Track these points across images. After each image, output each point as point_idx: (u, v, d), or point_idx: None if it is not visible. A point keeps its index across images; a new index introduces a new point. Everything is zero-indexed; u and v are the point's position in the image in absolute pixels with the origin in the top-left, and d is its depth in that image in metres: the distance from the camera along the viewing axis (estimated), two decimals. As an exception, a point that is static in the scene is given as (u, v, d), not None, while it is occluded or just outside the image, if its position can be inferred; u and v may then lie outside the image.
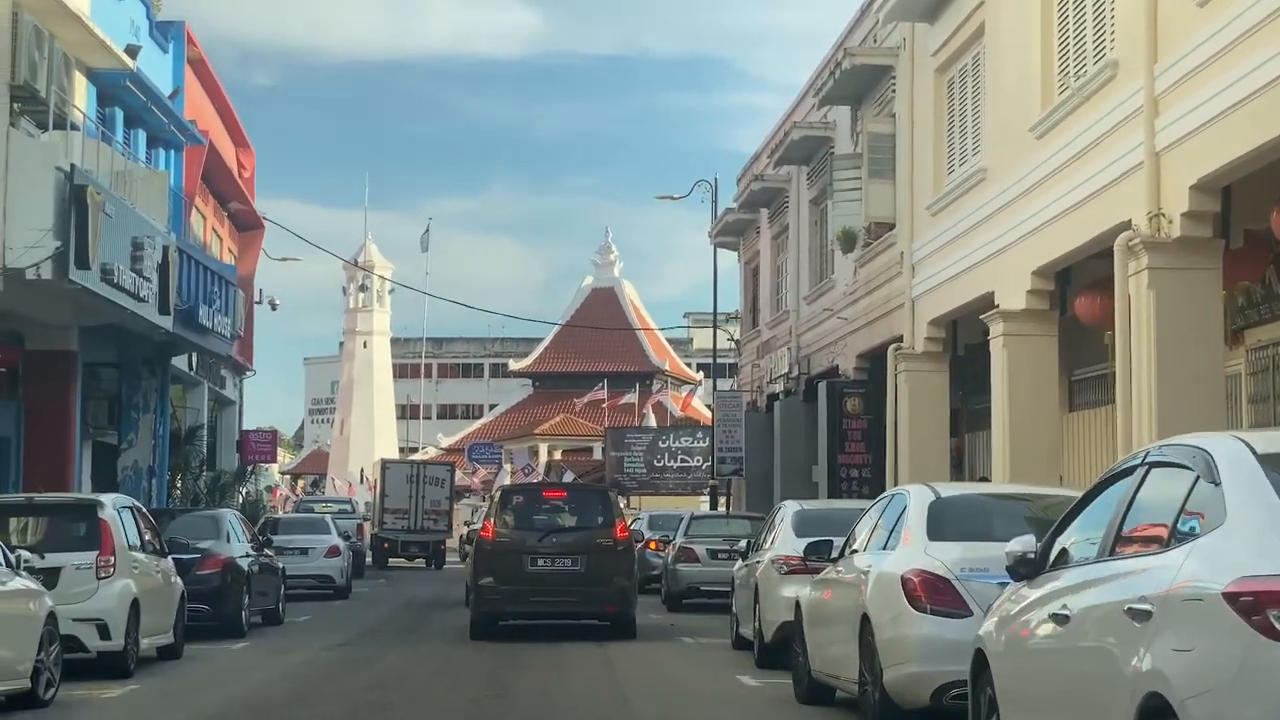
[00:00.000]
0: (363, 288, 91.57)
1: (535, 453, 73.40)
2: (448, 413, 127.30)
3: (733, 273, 45.94)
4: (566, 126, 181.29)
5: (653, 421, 69.47)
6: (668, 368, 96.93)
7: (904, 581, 9.88)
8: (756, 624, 16.33)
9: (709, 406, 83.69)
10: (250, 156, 42.17)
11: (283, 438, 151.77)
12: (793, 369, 35.44)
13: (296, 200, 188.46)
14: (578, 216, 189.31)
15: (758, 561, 16.82)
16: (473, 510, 72.65)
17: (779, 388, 36.61)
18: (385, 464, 48.20)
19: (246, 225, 41.95)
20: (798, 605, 13.21)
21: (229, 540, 21.39)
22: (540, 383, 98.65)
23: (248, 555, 21.85)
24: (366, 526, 47.15)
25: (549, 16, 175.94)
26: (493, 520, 20.93)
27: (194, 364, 34.64)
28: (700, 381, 72.25)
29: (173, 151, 31.10)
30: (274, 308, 54.85)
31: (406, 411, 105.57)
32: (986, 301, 21.89)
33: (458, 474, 76.10)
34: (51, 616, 13.32)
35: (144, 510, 17.69)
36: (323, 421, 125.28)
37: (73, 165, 20.53)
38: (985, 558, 9.50)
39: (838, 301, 31.58)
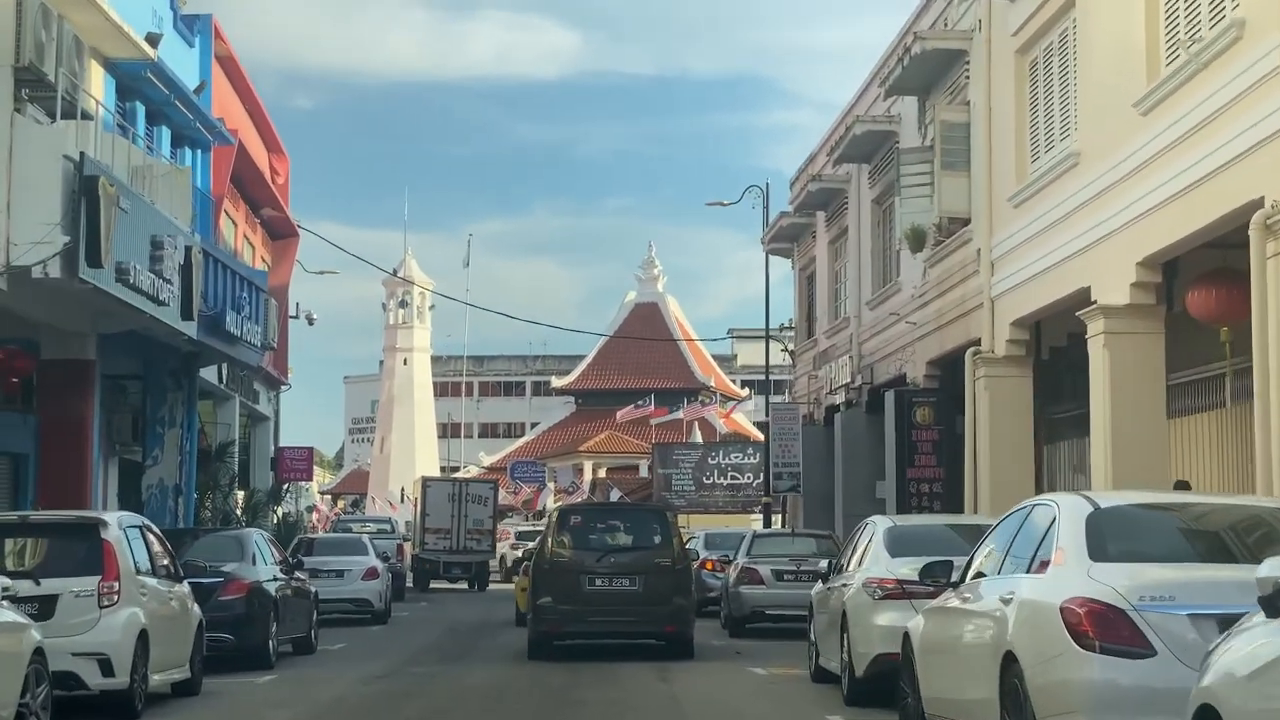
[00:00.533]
0: (403, 304, 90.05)
1: (580, 470, 71.61)
2: (489, 431, 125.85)
3: (785, 282, 44.64)
4: (607, 146, 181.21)
5: (699, 437, 67.63)
6: (713, 384, 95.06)
7: (1064, 612, 7.97)
8: (845, 656, 14.42)
9: (756, 424, 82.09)
10: (284, 162, 40.55)
11: (323, 458, 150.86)
12: (854, 379, 33.52)
13: (335, 221, 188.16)
14: (618, 237, 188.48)
15: (844, 585, 14.92)
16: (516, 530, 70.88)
17: (839, 399, 34.69)
18: (426, 481, 46.41)
19: (280, 233, 40.32)
20: (906, 638, 11.30)
21: (255, 563, 19.62)
22: (584, 400, 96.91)
23: (275, 579, 20.07)
24: (407, 547, 45.37)
25: (589, 37, 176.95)
26: (550, 540, 20.88)
27: (224, 376, 32.96)
28: (748, 396, 70.07)
29: (199, 151, 29.44)
30: (310, 322, 53.49)
31: (447, 430, 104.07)
32: (1081, 298, 19.99)
33: (500, 493, 74.61)
34: (39, 653, 11.55)
35: (155, 530, 15.89)
36: (363, 441, 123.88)
37: (83, 154, 18.79)
38: (1169, 582, 7.65)
39: (904, 305, 29.66)
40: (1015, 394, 23.67)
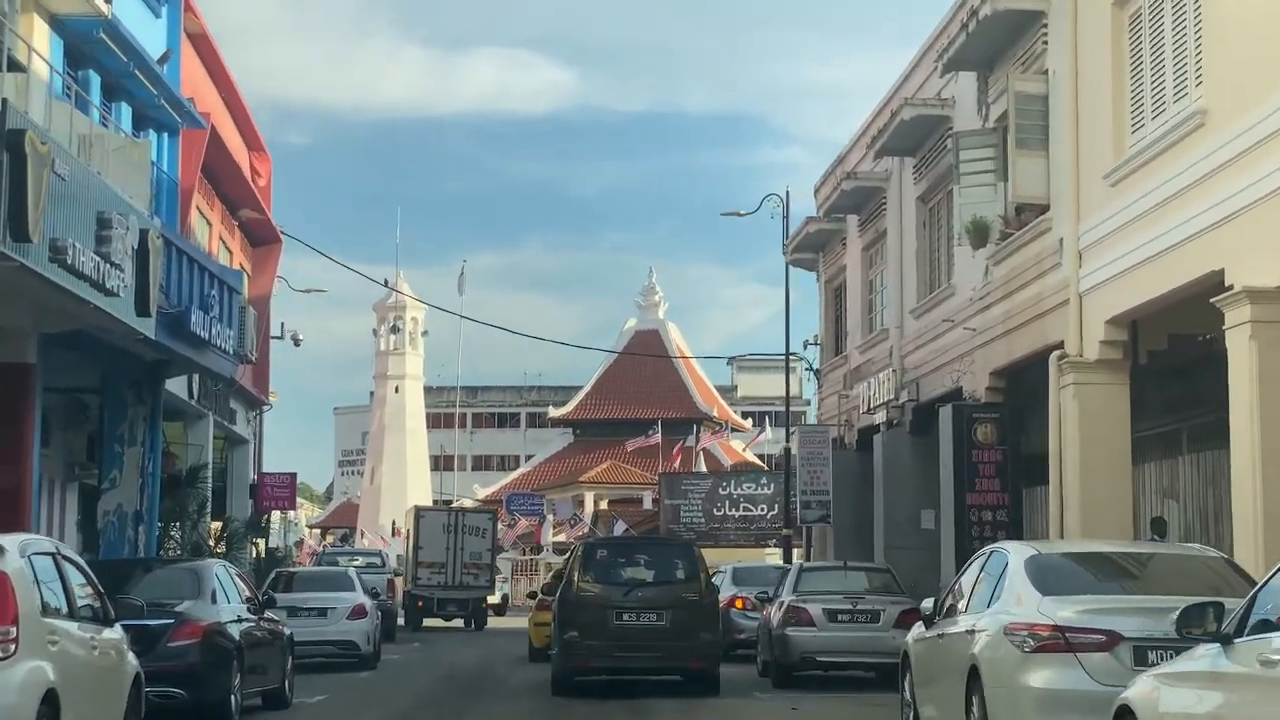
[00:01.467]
0: (394, 329, 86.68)
1: (580, 502, 68.11)
2: (483, 464, 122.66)
3: (807, 299, 41.24)
4: (602, 183, 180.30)
5: (704, 469, 64.25)
6: (715, 414, 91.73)
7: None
8: (976, 726, 10.95)
9: (759, 456, 78.65)
10: (266, 163, 37.20)
11: (313, 493, 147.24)
12: (897, 395, 30.13)
13: (329, 257, 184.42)
14: (612, 273, 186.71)
15: (968, 631, 11.45)
16: (513, 565, 67.48)
17: (879, 418, 31.29)
18: (420, 511, 42.98)
19: (262, 239, 36.96)
20: (1125, 714, 7.85)
21: (215, 600, 16.18)
22: (581, 430, 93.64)
23: (240, 619, 16.63)
24: (398, 582, 41.91)
25: (584, 74, 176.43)
26: (576, 574, 20.52)
27: (195, 392, 29.51)
28: (762, 430, 66.53)
29: (166, 135, 26.10)
30: (297, 343, 50.73)
31: (440, 463, 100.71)
32: (1207, 286, 16.65)
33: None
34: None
35: (78, 560, 12.43)
36: (353, 474, 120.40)
37: (5, 101, 15.39)
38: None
39: (960, 311, 26.33)
40: (1110, 404, 20.33)
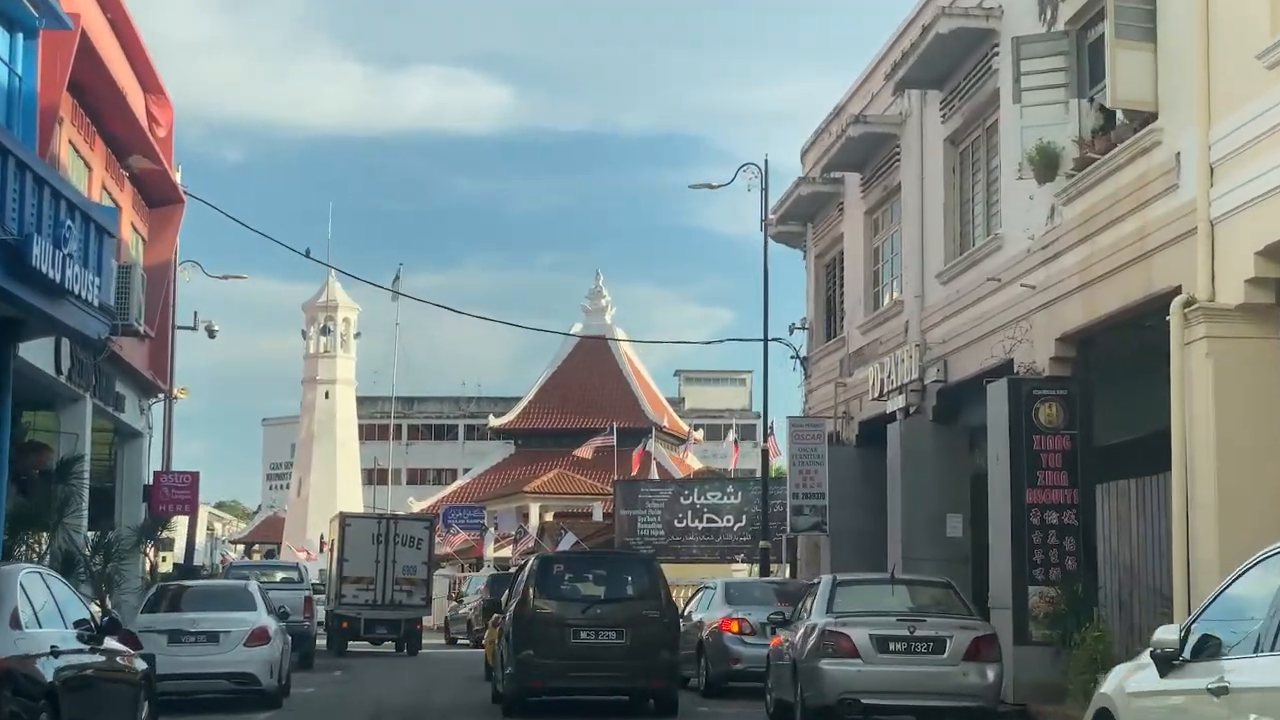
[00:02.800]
0: (324, 331, 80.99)
1: (525, 514, 62.67)
2: (418, 477, 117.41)
3: (785, 281, 36.41)
4: (540, 203, 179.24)
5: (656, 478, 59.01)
6: (665, 424, 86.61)
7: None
8: None
9: (711, 470, 73.33)
10: (167, 111, 31.73)
11: (245, 510, 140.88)
12: (922, 375, 25.04)
13: (263, 276, 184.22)
14: (551, 293, 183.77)
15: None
16: (452, 583, 62.00)
17: (893, 405, 26.16)
18: (345, 519, 37.52)
19: (161, 198, 31.50)
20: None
21: (16, 623, 10.82)
22: (524, 441, 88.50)
23: (58, 651, 11.26)
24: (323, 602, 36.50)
25: (522, 93, 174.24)
26: (532, 590, 19.45)
27: (64, 366, 24.00)
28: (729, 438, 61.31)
29: (21, 36, 20.67)
30: (212, 334, 45.61)
31: (374, 476, 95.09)
32: None
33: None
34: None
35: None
36: (282, 487, 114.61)
37: None
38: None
39: (1011, 267, 21.34)
40: (1257, 363, 15.27)
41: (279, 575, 33.02)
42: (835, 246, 32.41)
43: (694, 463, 79.43)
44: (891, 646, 16.10)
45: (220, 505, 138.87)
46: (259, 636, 20.53)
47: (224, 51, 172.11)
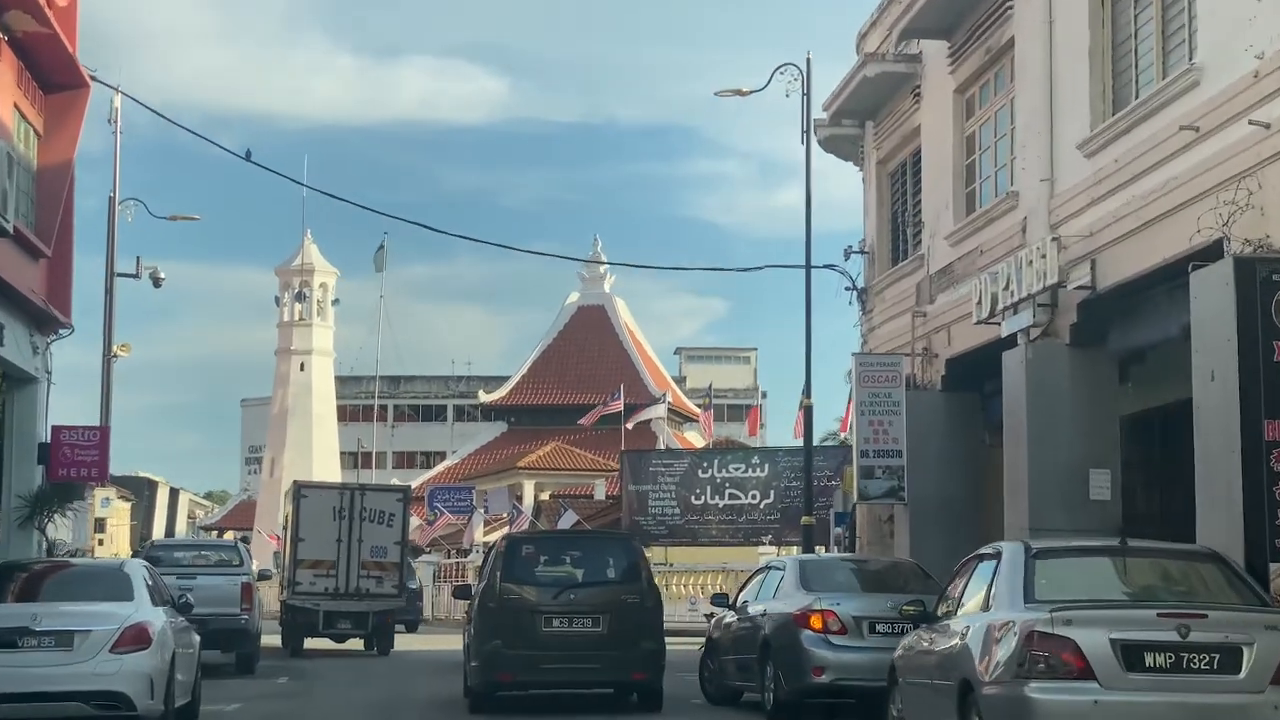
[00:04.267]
0: (300, 296, 74.26)
1: (518, 493, 56.11)
2: (405, 461, 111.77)
3: (833, 198, 29.82)
4: (532, 193, 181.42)
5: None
6: (670, 400, 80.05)
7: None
8: None
9: (731, 441, 66.82)
10: (71, -21, 25.17)
11: (226, 496, 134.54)
12: (1062, 281, 18.50)
13: (254, 266, 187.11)
14: (542, 283, 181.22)
15: None
16: (434, 570, 55.55)
17: (1015, 326, 19.59)
18: (300, 489, 30.85)
19: (58, 81, 24.92)
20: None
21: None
22: (516, 419, 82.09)
23: None
24: (266, 590, 29.92)
25: (515, 84, 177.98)
26: (498, 573, 17.82)
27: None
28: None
29: None
30: (157, 284, 39.80)
31: (357, 460, 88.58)
32: None
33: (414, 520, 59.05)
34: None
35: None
36: (259, 471, 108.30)
37: None
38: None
39: (1215, 108, 14.86)
40: None
41: (214, 556, 26.47)
42: (907, 145, 26.02)
43: (699, 440, 73.12)
44: (1150, 661, 9.56)
45: (209, 495, 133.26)
46: (134, 638, 13.98)
47: (216, 43, 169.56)
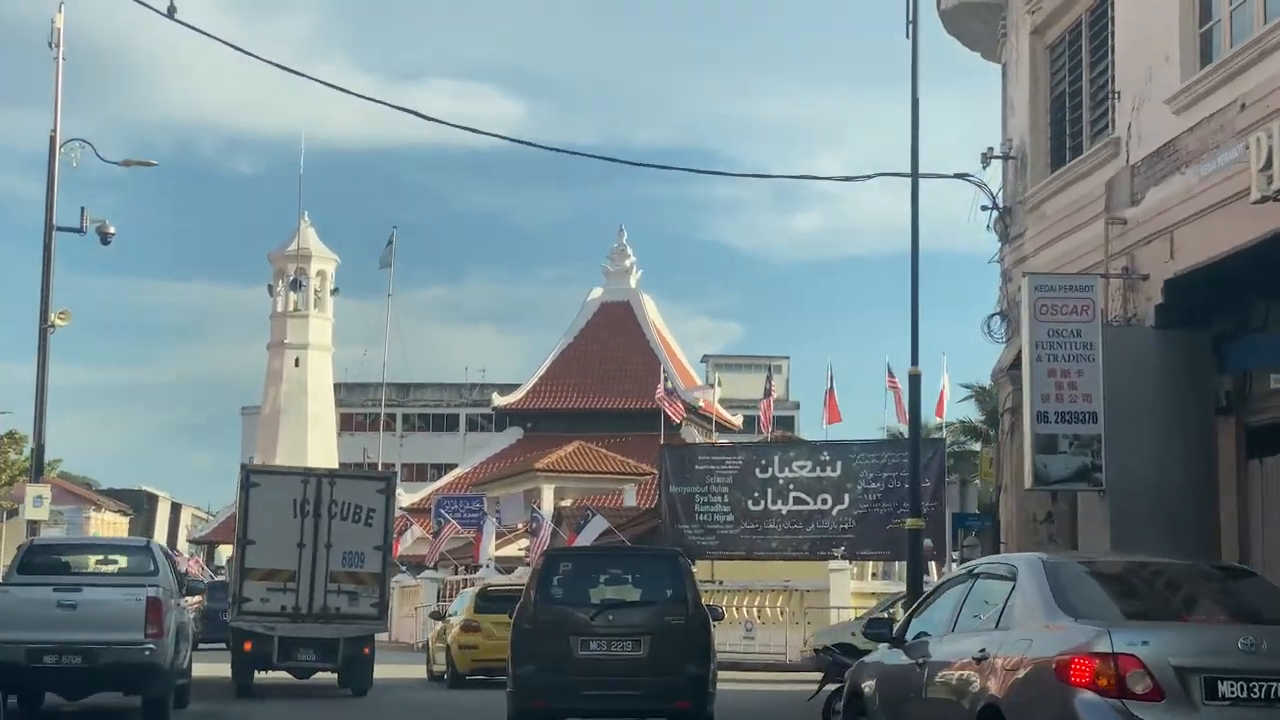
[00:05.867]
0: (295, 285, 66.99)
1: (534, 499, 48.67)
2: (415, 473, 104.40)
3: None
4: (548, 215, 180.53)
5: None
6: (701, 405, 72.75)
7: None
8: None
9: (787, 436, 59.34)
10: None
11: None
12: None
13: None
14: (555, 305, 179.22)
15: None
16: (439, 589, 48.18)
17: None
18: (250, 476, 23.27)
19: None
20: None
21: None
22: (533, 424, 74.99)
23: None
24: (180, 606, 22.51)
25: (534, 106, 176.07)
26: (534, 592, 17.14)
27: None
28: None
29: None
30: (106, 240, 34.67)
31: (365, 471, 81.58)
32: None
33: (409, 535, 51.81)
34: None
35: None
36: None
37: None
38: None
39: None
40: None
41: (116, 562, 19.13)
42: (1070, 7, 18.75)
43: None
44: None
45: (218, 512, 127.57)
46: None
47: (238, 65, 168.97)
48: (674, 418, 51.40)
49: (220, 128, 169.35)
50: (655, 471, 52.50)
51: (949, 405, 45.72)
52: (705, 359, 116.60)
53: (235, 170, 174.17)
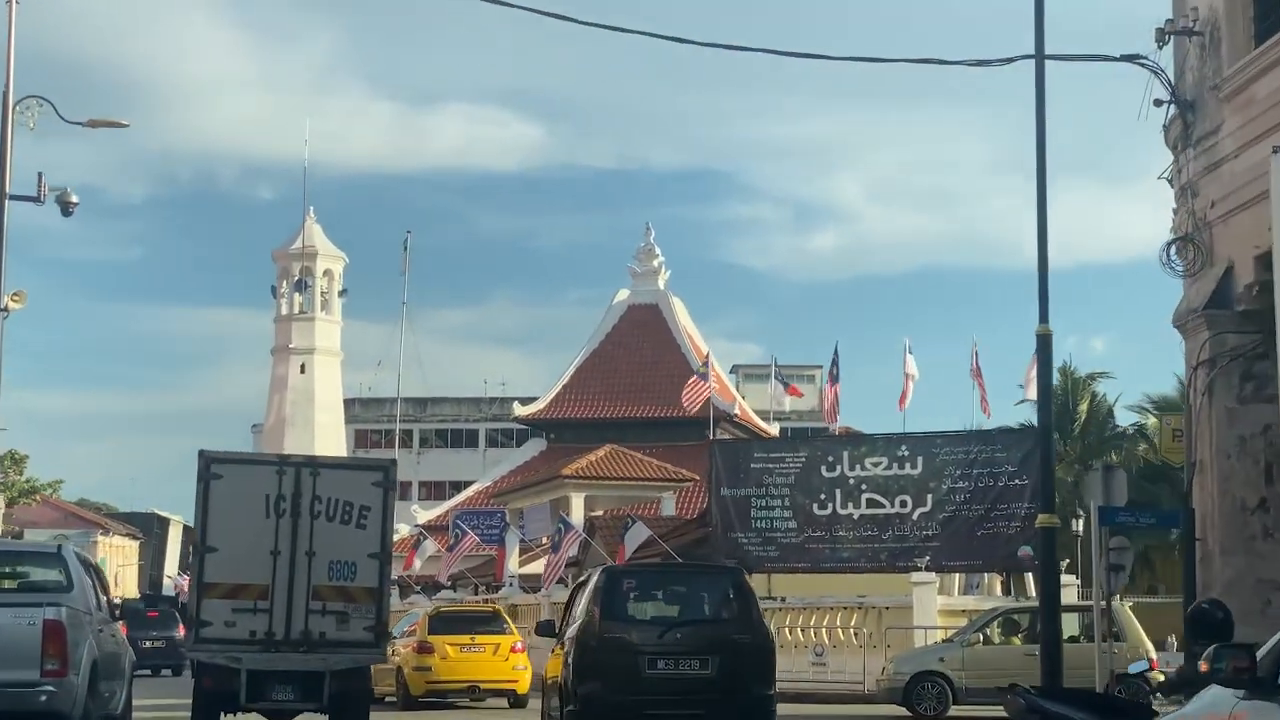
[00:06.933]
0: (301, 285, 62.18)
1: (563, 509, 43.70)
2: (432, 491, 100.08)
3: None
4: (568, 238, 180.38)
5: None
6: (737, 413, 67.92)
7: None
8: None
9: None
10: None
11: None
12: None
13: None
14: (578, 327, 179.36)
15: None
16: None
17: None
18: (210, 464, 18.26)
19: None
20: None
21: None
22: (557, 435, 70.37)
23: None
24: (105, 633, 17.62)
25: (552, 130, 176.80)
26: (597, 610, 17.01)
27: None
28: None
29: None
30: (67, 211, 32.06)
31: (379, 489, 76.73)
32: None
33: (423, 552, 46.95)
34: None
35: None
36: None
37: None
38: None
39: None
40: None
41: (15, 573, 14.19)
42: None
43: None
44: None
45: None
46: None
47: (256, 90, 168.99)
48: (693, 402, 46.61)
49: (238, 154, 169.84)
50: (696, 478, 47.77)
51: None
52: (735, 369, 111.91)
53: (256, 196, 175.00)
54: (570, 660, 16.94)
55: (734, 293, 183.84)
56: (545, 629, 19.87)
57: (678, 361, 71.74)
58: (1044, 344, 19.37)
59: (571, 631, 17.27)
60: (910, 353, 34.37)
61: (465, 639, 26.69)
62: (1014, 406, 42.74)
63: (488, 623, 28.09)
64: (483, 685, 26.83)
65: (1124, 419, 57.43)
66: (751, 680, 16.60)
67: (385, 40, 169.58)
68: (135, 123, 17.27)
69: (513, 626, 28.71)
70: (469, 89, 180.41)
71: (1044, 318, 19.32)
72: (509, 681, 26.89)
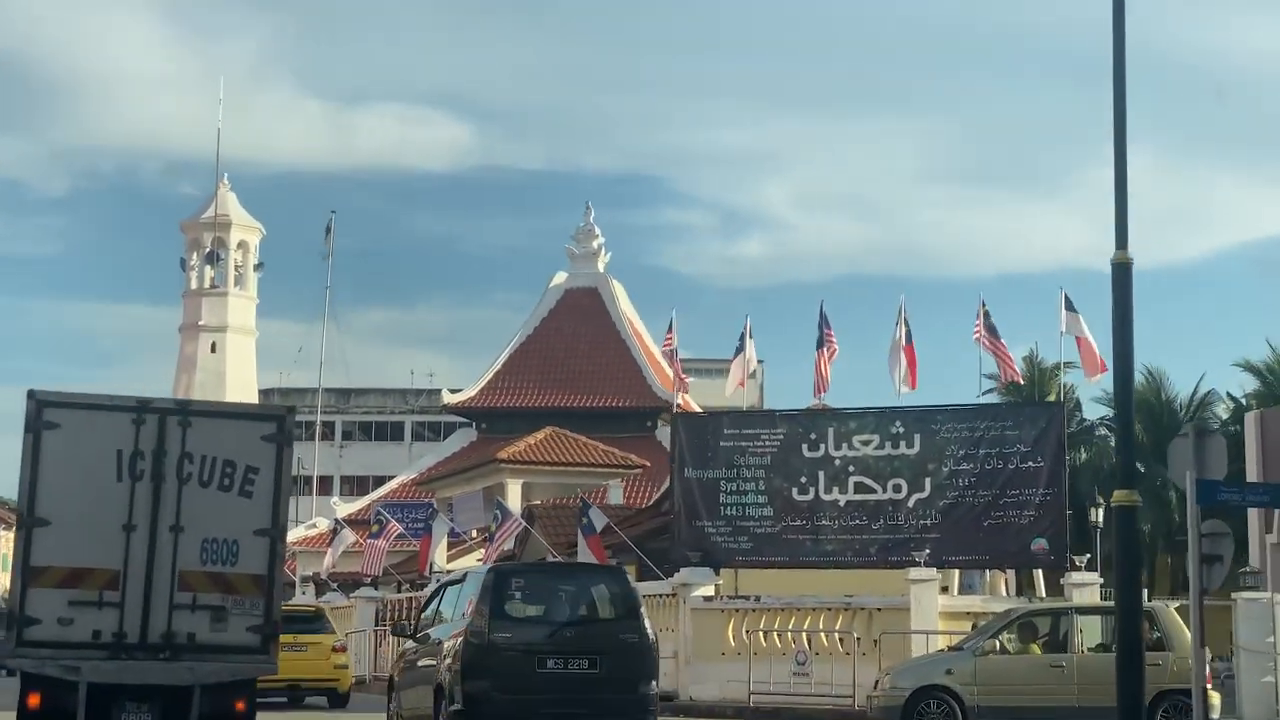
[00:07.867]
0: (213, 258, 57.57)
1: (496, 497, 39.32)
2: (355, 487, 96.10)
3: None
4: (497, 240, 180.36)
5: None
6: (680, 404, 63.69)
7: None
8: None
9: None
10: None
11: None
12: None
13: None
14: (506, 330, 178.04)
15: None
16: (376, 611, 38.83)
17: None
18: (41, 409, 14.08)
19: None
20: None
21: None
22: (488, 425, 66.40)
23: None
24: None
25: (481, 131, 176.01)
26: (487, 609, 17.31)
27: None
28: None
29: None
30: None
31: (298, 484, 72.41)
32: None
33: (339, 544, 42.63)
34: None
35: None
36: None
37: None
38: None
39: None
40: None
41: None
42: None
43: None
44: None
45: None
46: None
47: (182, 88, 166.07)
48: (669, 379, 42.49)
49: (164, 151, 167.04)
50: (646, 464, 43.70)
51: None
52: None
53: (179, 192, 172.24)
54: (456, 659, 17.07)
55: (662, 298, 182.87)
56: (399, 630, 20.00)
57: (618, 350, 67.99)
58: (1122, 273, 15.38)
59: (452, 630, 17.46)
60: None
61: (287, 639, 24.51)
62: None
63: (309, 622, 28.53)
64: (303, 684, 27.26)
65: (1090, 411, 54.06)
66: (638, 679, 17.27)
67: (314, 39, 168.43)
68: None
69: (335, 626, 29.53)
70: (398, 89, 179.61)
71: (1122, 243, 15.37)
72: (329, 680, 27.75)
